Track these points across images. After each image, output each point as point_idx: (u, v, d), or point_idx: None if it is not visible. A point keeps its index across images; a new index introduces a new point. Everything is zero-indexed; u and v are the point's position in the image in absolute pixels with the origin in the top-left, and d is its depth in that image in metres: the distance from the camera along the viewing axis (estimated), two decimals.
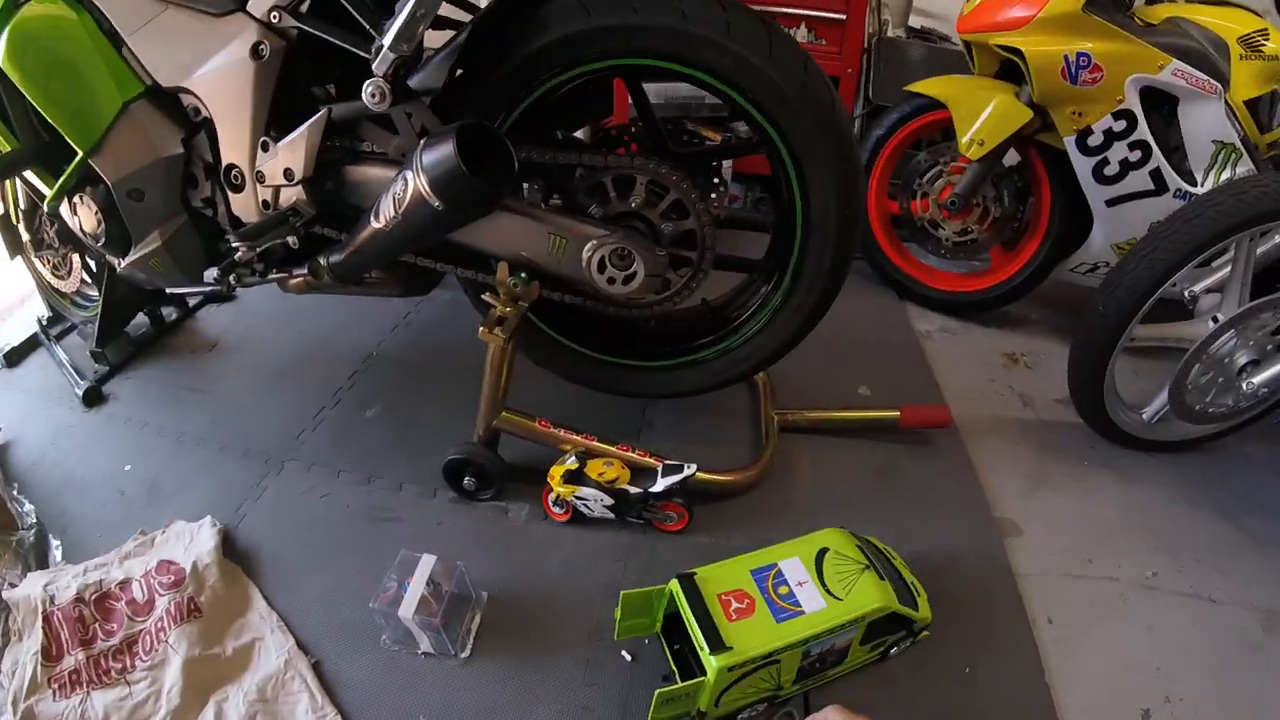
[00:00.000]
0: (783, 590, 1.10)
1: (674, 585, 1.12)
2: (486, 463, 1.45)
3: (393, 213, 1.17)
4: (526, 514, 1.47)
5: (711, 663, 1.00)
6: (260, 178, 1.34)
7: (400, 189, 1.14)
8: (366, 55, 1.16)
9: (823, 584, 1.13)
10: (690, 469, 1.38)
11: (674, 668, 1.16)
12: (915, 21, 2.78)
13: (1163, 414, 1.63)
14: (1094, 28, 1.62)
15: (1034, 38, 1.65)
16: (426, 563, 1.24)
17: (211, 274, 1.52)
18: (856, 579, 1.14)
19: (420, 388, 1.82)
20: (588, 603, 1.30)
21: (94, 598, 1.32)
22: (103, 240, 1.48)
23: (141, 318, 2.01)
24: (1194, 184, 1.69)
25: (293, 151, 1.29)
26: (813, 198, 1.29)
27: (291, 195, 1.33)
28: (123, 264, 1.52)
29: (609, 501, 1.39)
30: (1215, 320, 1.51)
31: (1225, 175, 1.66)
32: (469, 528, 1.45)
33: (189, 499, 1.52)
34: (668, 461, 1.40)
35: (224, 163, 1.35)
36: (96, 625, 1.28)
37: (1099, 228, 1.82)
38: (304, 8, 1.23)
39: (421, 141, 1.12)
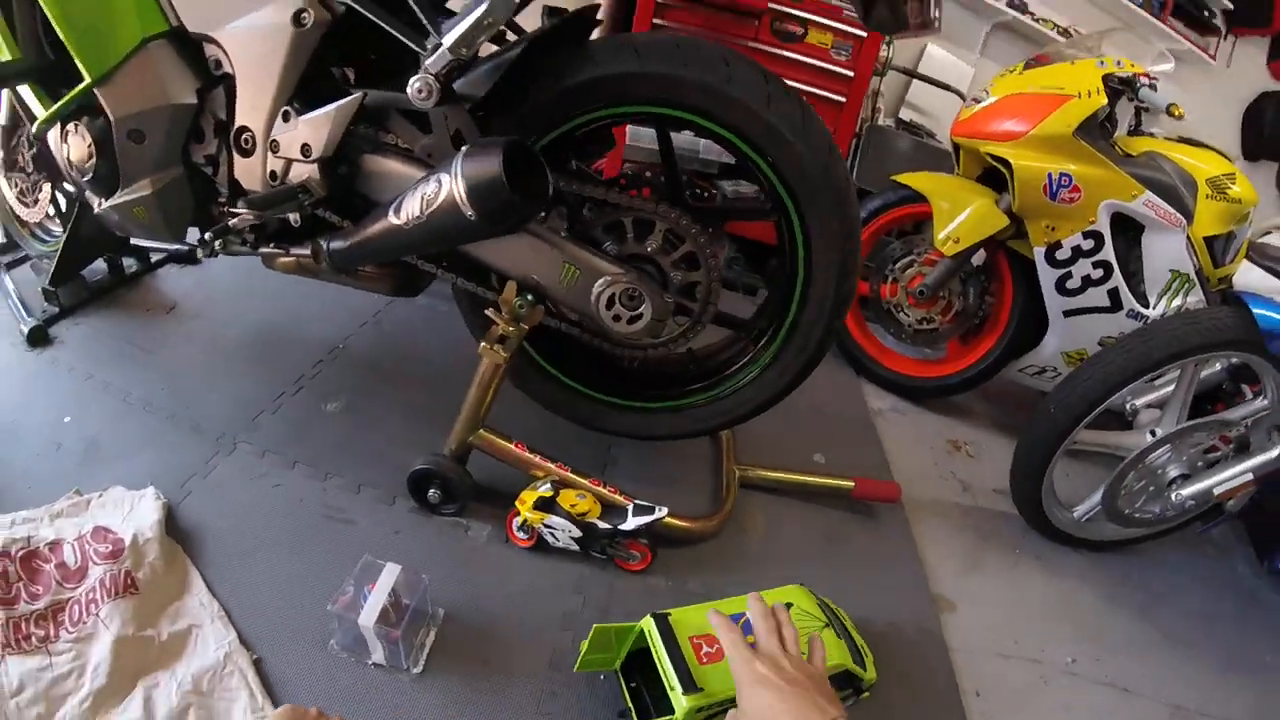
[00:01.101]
0: (750, 639, 1.13)
1: (647, 623, 1.12)
2: (455, 478, 1.43)
3: (418, 212, 1.16)
4: (487, 535, 1.44)
5: (682, 702, 1.02)
6: (274, 147, 1.30)
7: (432, 191, 1.14)
8: (416, 48, 1.16)
9: None
10: (661, 511, 1.39)
11: (630, 705, 1.16)
12: (905, 114, 2.94)
13: (1093, 514, 1.74)
14: (1080, 152, 1.76)
15: (1023, 152, 1.78)
16: (390, 572, 1.21)
17: (195, 235, 1.47)
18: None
19: (386, 390, 1.77)
20: (544, 631, 1.29)
21: (20, 554, 1.22)
22: (88, 176, 1.40)
23: (100, 264, 1.90)
24: (1146, 306, 1.85)
25: (315, 128, 1.26)
26: (815, 271, 1.35)
27: (304, 172, 1.30)
28: (103, 204, 1.44)
29: (577, 534, 1.38)
30: (1154, 434, 1.65)
31: (1176, 302, 1.81)
32: (427, 541, 1.41)
33: (131, 466, 1.44)
34: (638, 501, 1.41)
35: (237, 123, 1.31)
36: (20, 585, 1.18)
37: (1053, 335, 1.96)
38: None
39: (464, 148, 1.11)
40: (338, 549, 1.35)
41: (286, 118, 1.27)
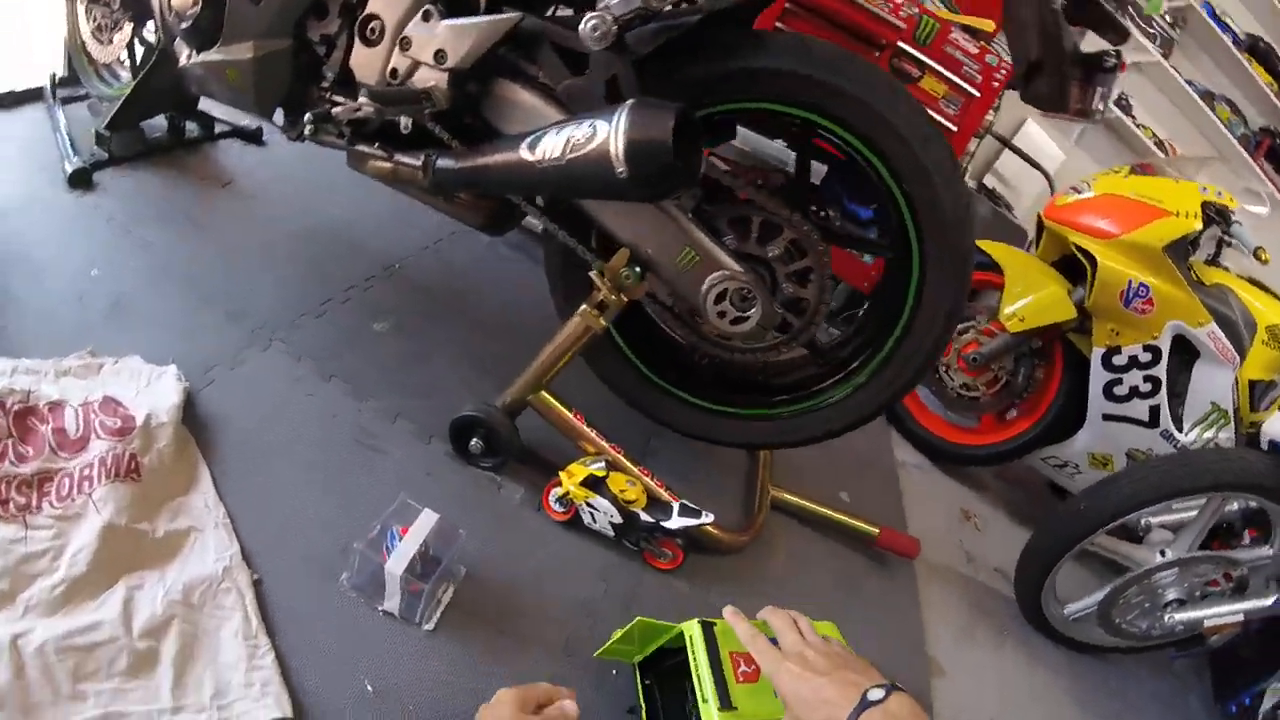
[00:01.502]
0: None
1: (692, 628, 0.98)
2: (504, 433, 1.25)
3: (557, 154, 0.99)
4: (520, 498, 1.27)
5: (715, 718, 0.89)
6: (404, 44, 1.12)
7: (581, 136, 0.96)
8: None
9: None
10: (708, 517, 1.25)
11: (641, 703, 1.03)
12: (989, 180, 2.82)
13: (1084, 615, 1.65)
14: (1163, 268, 1.66)
15: (1111, 253, 1.68)
16: (427, 519, 1.03)
17: (281, 117, 1.28)
18: None
19: (437, 323, 1.58)
20: (562, 613, 1.13)
21: (15, 408, 1.01)
22: (187, 24, 1.20)
23: (160, 121, 1.67)
24: (1180, 430, 1.76)
25: (457, 36, 1.08)
26: (925, 305, 1.22)
27: (430, 79, 1.12)
28: (192, 58, 1.24)
29: (618, 520, 1.22)
30: (1164, 554, 1.57)
31: (1208, 435, 1.74)
32: (459, 491, 1.24)
33: (154, 337, 1.23)
34: (685, 502, 1.26)
35: (367, 9, 1.14)
36: (9, 443, 0.98)
37: (1086, 433, 1.86)
38: None
39: (631, 101, 0.95)
40: (364, 478, 1.18)
41: (427, 17, 1.10)
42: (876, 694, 0.70)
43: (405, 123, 1.13)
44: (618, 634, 1.03)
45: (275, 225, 1.64)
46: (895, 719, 0.68)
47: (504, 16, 1.06)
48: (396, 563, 0.97)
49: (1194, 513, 1.58)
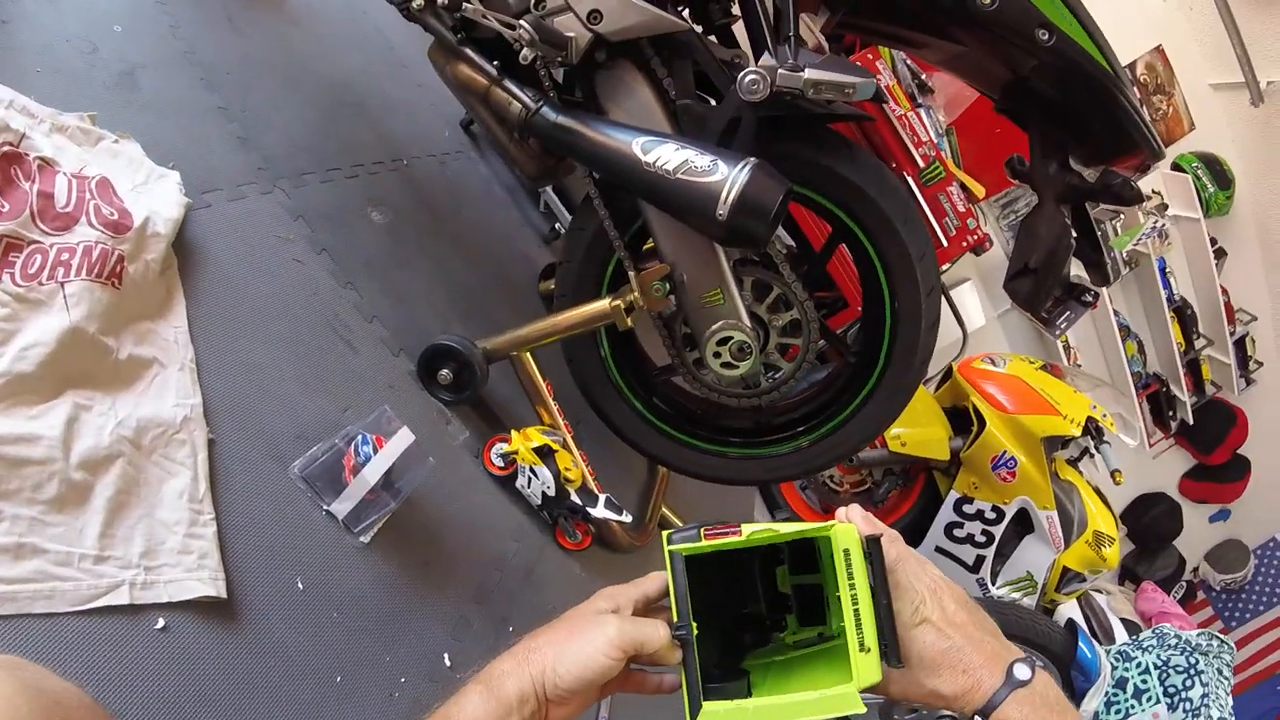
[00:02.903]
0: None
1: (851, 535, 0.63)
2: (478, 374, 1.28)
3: (669, 168, 1.05)
4: (464, 441, 1.31)
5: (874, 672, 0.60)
6: None
7: (702, 165, 1.04)
8: (767, 46, 1.09)
9: None
10: (627, 517, 1.37)
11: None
12: None
13: None
14: (1035, 453, 2.01)
15: (1000, 424, 2.01)
16: (404, 438, 1.06)
17: None
18: None
19: (429, 236, 1.57)
20: (480, 560, 1.20)
21: (3, 149, 0.90)
22: None
23: None
24: (993, 583, 2.13)
25: (623, 8, 1.11)
26: (863, 414, 1.38)
27: (572, 29, 1.13)
28: None
29: (550, 492, 1.30)
30: None
31: (1014, 595, 2.11)
32: (412, 412, 1.25)
33: (158, 127, 1.14)
34: (610, 496, 1.37)
35: None
36: None
37: None
38: None
39: (757, 160, 1.03)
40: (331, 370, 1.17)
41: None
42: (1024, 671, 0.56)
43: (527, 54, 1.14)
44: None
45: (309, 63, 1.54)
46: (1046, 705, 0.55)
47: (673, 19, 1.10)
48: (373, 470, 0.99)
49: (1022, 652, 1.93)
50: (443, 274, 1.51)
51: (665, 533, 0.63)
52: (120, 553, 0.80)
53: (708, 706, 0.59)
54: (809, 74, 1.03)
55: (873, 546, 0.61)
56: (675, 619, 0.61)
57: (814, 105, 1.13)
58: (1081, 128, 1.23)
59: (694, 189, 1.04)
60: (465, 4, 1.14)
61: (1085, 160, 1.28)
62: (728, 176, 1.02)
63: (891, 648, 0.58)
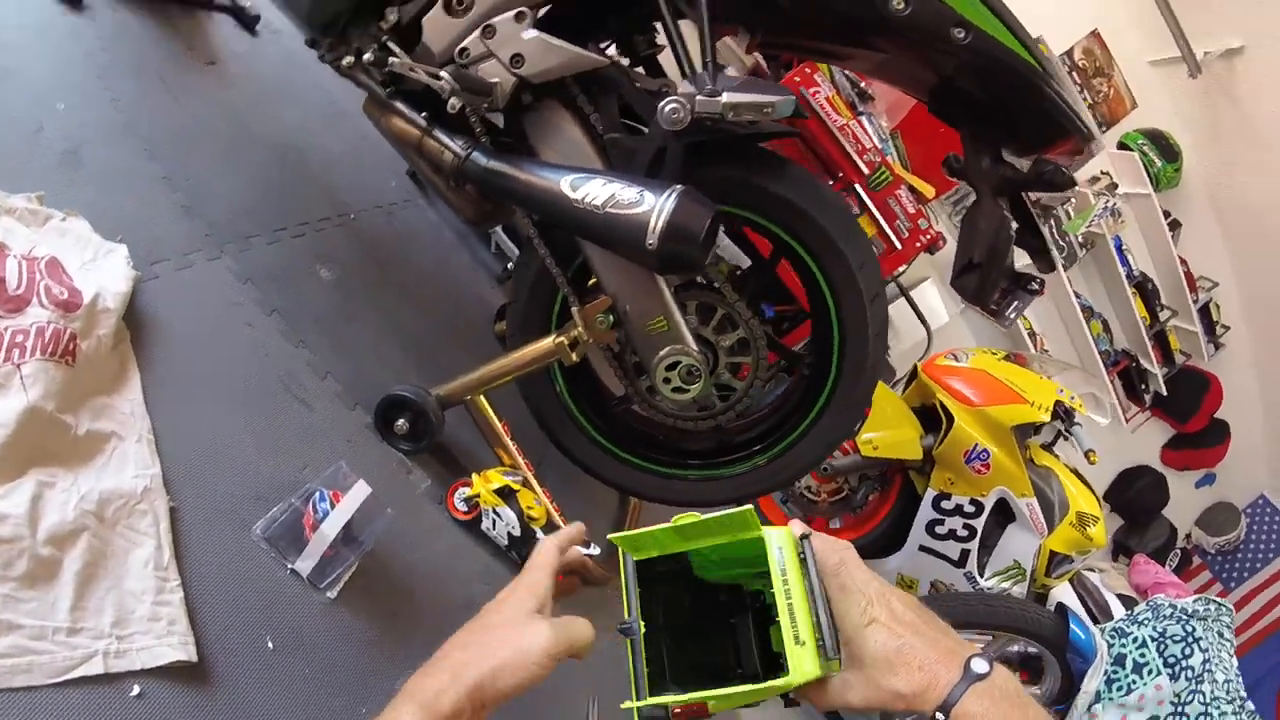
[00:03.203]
0: None
1: (785, 537, 0.66)
2: (434, 422, 1.31)
3: (597, 202, 1.10)
4: (425, 489, 1.33)
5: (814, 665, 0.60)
6: (488, 31, 1.16)
7: (628, 198, 1.08)
8: (686, 75, 1.13)
9: None
10: (595, 550, 1.38)
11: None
12: None
13: None
14: (1006, 443, 2.05)
15: (968, 418, 2.05)
16: (360, 491, 1.09)
17: (321, 35, 1.27)
18: None
19: (374, 289, 1.60)
20: (450, 607, 1.20)
21: None
22: None
23: None
24: (981, 575, 2.15)
25: (543, 51, 1.16)
26: (819, 427, 1.42)
27: (495, 75, 1.18)
28: None
29: (516, 533, 1.33)
30: None
31: (1004, 585, 2.13)
32: (372, 464, 1.27)
33: (104, 202, 1.18)
34: None
35: None
36: None
37: (900, 557, 2.21)
38: None
39: (682, 188, 1.08)
40: (287, 430, 1.20)
41: (520, 18, 1.15)
42: (981, 665, 0.57)
43: (454, 102, 1.19)
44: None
45: (249, 124, 1.59)
46: (1006, 698, 0.55)
47: (594, 56, 1.15)
48: (332, 525, 1.02)
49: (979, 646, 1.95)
50: (394, 324, 1.55)
51: (613, 535, 0.66)
52: (92, 624, 0.83)
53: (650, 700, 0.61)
54: (726, 98, 1.07)
55: (804, 542, 0.63)
56: (626, 615, 0.63)
57: (736, 127, 1.17)
58: (1009, 121, 1.25)
59: (623, 221, 1.08)
60: (392, 59, 1.19)
61: (1017, 152, 1.31)
62: (654, 206, 1.06)
63: (830, 638, 0.59)
